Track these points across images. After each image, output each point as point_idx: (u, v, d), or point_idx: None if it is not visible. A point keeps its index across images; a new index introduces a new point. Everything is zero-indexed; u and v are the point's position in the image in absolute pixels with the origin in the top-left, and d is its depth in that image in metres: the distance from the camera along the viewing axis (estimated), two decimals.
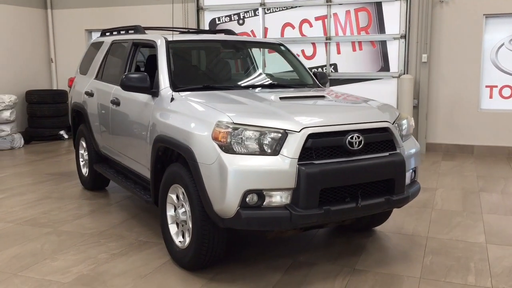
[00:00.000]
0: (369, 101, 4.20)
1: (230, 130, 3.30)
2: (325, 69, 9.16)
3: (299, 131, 3.34)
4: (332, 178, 3.34)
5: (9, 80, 10.13)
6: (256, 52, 5.37)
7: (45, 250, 4.19)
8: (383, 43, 8.80)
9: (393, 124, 3.77)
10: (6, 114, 9.29)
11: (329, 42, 9.09)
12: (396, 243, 4.36)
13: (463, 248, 4.18)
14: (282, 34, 9.36)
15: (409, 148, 3.90)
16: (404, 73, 8.67)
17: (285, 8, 9.28)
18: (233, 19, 9.67)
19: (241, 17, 9.60)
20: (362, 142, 3.51)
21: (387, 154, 3.66)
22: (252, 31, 9.56)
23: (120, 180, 5.01)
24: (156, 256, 4.02)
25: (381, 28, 8.76)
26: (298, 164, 3.27)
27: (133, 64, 5.04)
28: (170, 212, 3.92)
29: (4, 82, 9.98)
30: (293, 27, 9.30)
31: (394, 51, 8.76)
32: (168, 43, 4.52)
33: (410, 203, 5.32)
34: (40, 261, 3.97)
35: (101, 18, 10.57)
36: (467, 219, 4.94)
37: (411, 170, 3.93)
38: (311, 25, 9.19)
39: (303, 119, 3.43)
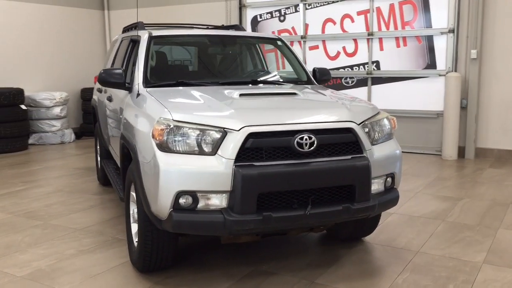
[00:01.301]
0: (347, 100, 3.82)
1: (166, 127, 3.12)
2: (367, 67, 8.66)
3: (238, 130, 3.08)
4: (272, 182, 3.05)
5: (67, 78, 10.67)
6: (250, 47, 5.13)
7: (22, 243, 4.27)
8: (430, 38, 8.13)
9: (360, 124, 3.39)
10: (57, 110, 9.77)
11: (372, 38, 8.58)
12: (377, 256, 3.94)
13: (451, 267, 3.67)
14: (323, 31, 8.99)
15: (383, 151, 3.50)
16: (452, 71, 7.95)
17: (326, 3, 8.89)
18: (274, 15, 9.45)
19: (282, 14, 9.35)
20: (315, 144, 3.18)
21: (349, 157, 3.29)
22: (293, 27, 9.28)
23: (112, 176, 5.02)
24: (119, 255, 3.95)
25: (428, 22, 8.10)
26: (235, 165, 3.02)
27: (130, 59, 5.02)
28: (131, 210, 3.83)
29: (61, 80, 10.54)
30: (334, 23, 8.88)
31: (442, 46, 8.06)
32: (151, 38, 4.44)
33: (419, 213, 4.89)
34: (11, 253, 4.04)
35: (154, 17, 10.77)
36: (477, 234, 4.37)
37: (384, 177, 3.52)
38: (352, 20, 8.73)
39: (246, 118, 3.17)
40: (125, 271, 3.66)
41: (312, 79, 4.66)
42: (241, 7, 9.69)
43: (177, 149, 3.11)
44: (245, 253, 3.94)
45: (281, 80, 4.61)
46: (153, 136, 3.15)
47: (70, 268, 3.74)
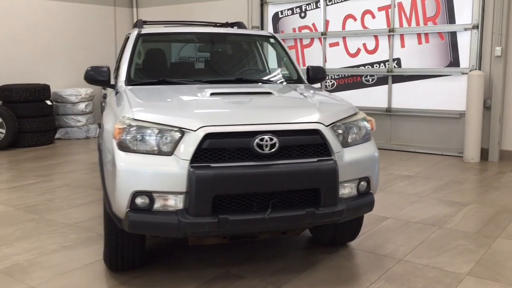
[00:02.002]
0: (323, 101, 3.68)
1: (126, 126, 3.10)
2: (388, 64, 8.38)
3: (195, 130, 3.02)
4: (228, 184, 2.98)
5: None
6: (243, 44, 5.05)
7: (11, 236, 4.38)
8: (453, 35, 7.77)
9: (329, 126, 3.25)
10: (82, 106, 10.01)
11: (393, 35, 8.29)
12: (356, 263, 3.78)
13: (431, 278, 3.48)
14: (343, 27, 8.77)
15: (356, 153, 3.36)
16: (476, 69, 7.57)
17: None
18: (295, 12, 9.31)
19: (303, 10, 9.19)
20: (277, 145, 3.08)
21: (315, 160, 3.17)
22: (313, 24, 9.11)
23: None
24: (98, 252, 3.97)
25: (451, 18, 7.74)
26: (191, 166, 2.96)
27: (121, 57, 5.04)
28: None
29: None
30: (355, 19, 8.64)
31: (465, 43, 7.68)
32: (139, 36, 4.45)
33: (417, 219, 4.68)
34: None
35: (176, 14, 10.85)
36: (471, 243, 4.12)
37: (357, 181, 3.37)
38: (373, 16, 8.47)
39: (205, 118, 3.11)
40: (98, 269, 3.67)
41: (303, 78, 4.53)
42: (263, 3, 9.60)
43: (137, 148, 3.08)
44: (218, 255, 3.87)
45: (271, 79, 4.49)
46: (113, 135, 3.14)
47: (47, 263, 3.80)
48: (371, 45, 8.56)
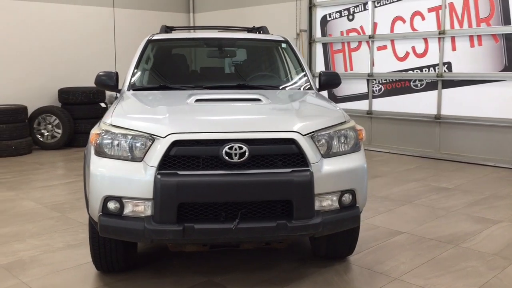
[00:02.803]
0: (308, 109, 3.55)
1: (101, 132, 3.17)
2: (438, 68, 7.92)
3: (164, 137, 3.02)
4: (193, 192, 2.94)
5: None
6: (255, 49, 4.97)
7: (28, 232, 4.62)
8: (508, 37, 7.19)
9: (306, 135, 3.11)
10: None
11: (443, 37, 7.82)
12: (346, 279, 3.58)
13: None
14: (391, 29, 8.42)
15: (338, 164, 3.19)
16: None
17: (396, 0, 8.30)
18: (343, 14, 9.07)
19: (351, 12, 8.93)
20: (246, 154, 2.99)
21: (289, 170, 3.04)
22: (361, 27, 8.82)
23: None
24: None
25: (506, 19, 7.17)
26: (158, 173, 2.96)
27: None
28: None
29: None
30: (404, 21, 8.26)
31: None
32: (149, 42, 4.53)
33: (434, 235, 4.38)
34: (11, 241, 4.39)
35: (234, 18, 10.93)
36: (482, 266, 3.77)
37: (339, 193, 3.19)
38: (423, 18, 8.05)
39: (175, 125, 3.09)
40: (89, 270, 3.75)
41: (312, 84, 4.37)
42: (311, 6, 9.45)
43: (111, 154, 3.13)
44: (207, 263, 3.84)
45: (277, 85, 4.36)
46: (90, 141, 3.21)
47: (46, 261, 3.95)
48: (420, 48, 8.13)
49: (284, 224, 3.01)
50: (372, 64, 8.72)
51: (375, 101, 8.78)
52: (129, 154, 3.09)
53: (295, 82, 4.46)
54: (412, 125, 8.29)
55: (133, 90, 4.13)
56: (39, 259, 3.99)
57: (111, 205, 3.07)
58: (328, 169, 3.14)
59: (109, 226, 3.07)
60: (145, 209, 3.02)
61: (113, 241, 3.41)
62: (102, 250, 3.46)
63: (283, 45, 4.69)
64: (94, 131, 3.20)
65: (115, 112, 3.34)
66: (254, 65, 4.86)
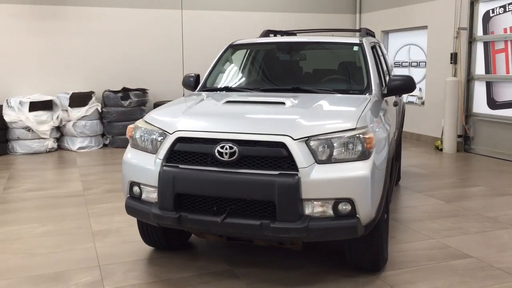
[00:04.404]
0: (315, 113, 3.52)
1: (134, 126, 3.69)
2: None
3: (171, 134, 3.39)
4: (187, 184, 3.25)
5: None
6: (327, 53, 4.87)
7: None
8: None
9: (299, 139, 3.14)
10: None
11: None
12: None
13: None
14: None
15: (333, 172, 3.13)
16: None
17: None
18: (507, 9, 8.05)
19: None
20: (236, 154, 3.17)
21: (276, 173, 3.12)
22: None
23: None
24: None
25: None
26: (164, 165, 3.35)
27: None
28: None
29: None
30: None
31: None
32: (229, 47, 4.93)
33: (506, 265, 3.82)
34: (115, 213, 5.25)
35: (399, 17, 10.57)
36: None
37: (332, 201, 3.13)
38: None
39: (183, 123, 3.43)
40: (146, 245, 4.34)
41: (374, 89, 4.19)
42: (473, 1, 8.60)
43: (140, 145, 3.63)
44: (236, 255, 4.06)
45: (330, 89, 4.27)
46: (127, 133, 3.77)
47: (124, 233, 4.65)
48: None
49: (267, 224, 3.10)
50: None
51: None
52: (150, 147, 3.54)
53: (356, 86, 4.33)
54: None
55: (202, 91, 4.57)
56: (121, 231, 4.74)
57: (135, 189, 3.58)
58: (320, 175, 3.11)
59: (130, 207, 3.58)
60: (155, 195, 3.43)
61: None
62: (145, 229, 3.99)
63: (355, 48, 4.58)
64: (131, 125, 3.74)
65: (153, 110, 3.83)
66: (322, 68, 4.84)
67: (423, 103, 10.03)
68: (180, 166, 3.32)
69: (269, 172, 3.14)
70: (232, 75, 4.86)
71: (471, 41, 8.71)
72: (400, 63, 10.86)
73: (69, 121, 9.31)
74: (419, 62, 10.35)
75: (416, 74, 10.37)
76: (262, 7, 11.05)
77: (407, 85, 4.24)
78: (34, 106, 9.01)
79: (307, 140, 3.16)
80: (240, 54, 4.97)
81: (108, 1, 9.83)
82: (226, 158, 3.19)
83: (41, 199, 5.98)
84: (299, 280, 3.61)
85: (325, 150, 3.17)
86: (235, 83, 4.70)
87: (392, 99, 4.84)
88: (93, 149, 9.42)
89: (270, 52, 4.98)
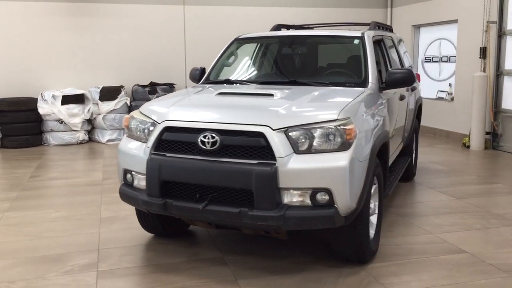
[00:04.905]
0: (298, 103, 3.58)
1: (129, 116, 3.86)
2: None
3: (160, 123, 3.53)
4: (172, 172, 3.39)
5: None
6: (328, 46, 4.88)
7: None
8: None
9: (278, 129, 3.21)
10: None
11: None
12: (340, 282, 3.46)
13: None
14: None
15: (311, 162, 3.19)
16: None
17: None
18: None
19: None
20: (218, 143, 3.28)
21: (255, 162, 3.21)
22: None
23: None
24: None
25: None
26: (152, 153, 3.50)
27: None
28: None
29: None
30: None
31: None
32: (235, 40, 5.04)
33: (498, 261, 3.78)
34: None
35: (428, 11, 10.36)
36: None
37: (310, 190, 3.18)
38: None
39: (170, 113, 3.56)
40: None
41: (371, 82, 4.19)
42: None
43: (135, 135, 3.79)
44: (230, 244, 4.18)
45: (326, 82, 4.30)
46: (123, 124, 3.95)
47: (130, 220, 4.81)
48: None
49: (245, 212, 3.19)
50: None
51: None
52: (143, 136, 3.69)
53: (353, 79, 4.33)
54: None
55: (206, 83, 4.69)
56: (127, 218, 4.92)
57: (128, 176, 3.74)
58: (297, 165, 3.17)
59: (123, 193, 3.75)
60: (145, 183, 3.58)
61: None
62: (142, 216, 4.16)
63: (356, 41, 4.57)
64: (126, 116, 3.90)
65: (149, 102, 3.98)
66: (321, 61, 4.86)
67: (452, 99, 9.80)
68: (167, 154, 3.45)
69: (248, 161, 3.22)
70: (234, 68, 4.96)
71: (501, 35, 8.45)
72: (431, 58, 10.64)
73: (99, 114, 9.67)
74: (450, 57, 10.11)
75: (447, 69, 10.16)
76: (293, 2, 11.08)
77: (405, 78, 4.22)
78: (66, 100, 9.41)
79: (286, 130, 3.22)
80: (245, 48, 5.06)
81: None
82: (208, 147, 3.30)
83: (61, 187, 6.29)
84: (284, 269, 3.68)
85: (305, 141, 3.22)
86: (236, 76, 4.80)
87: (396, 93, 4.81)
88: None
89: (272, 46, 5.04)
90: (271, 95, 3.79)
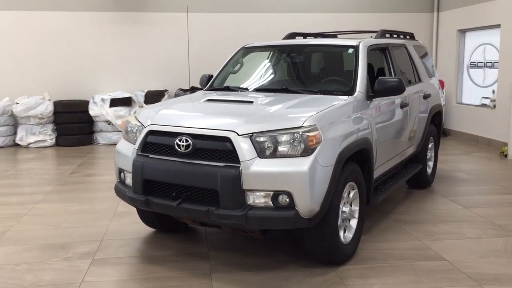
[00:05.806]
0: (268, 111, 3.81)
1: (125, 121, 4.26)
2: None
3: (145, 127, 3.88)
4: (152, 172, 3.73)
5: None
6: (324, 55, 5.03)
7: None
8: None
9: (244, 135, 3.46)
10: None
11: None
12: (306, 281, 3.64)
13: None
14: None
15: (272, 166, 3.41)
16: None
17: None
18: None
19: None
20: (191, 146, 3.58)
21: (222, 164, 3.48)
22: None
23: None
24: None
25: None
26: (137, 154, 3.87)
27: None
28: None
29: None
30: None
31: None
32: (241, 49, 5.32)
33: (474, 270, 3.90)
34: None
35: (472, 15, 10.13)
36: None
37: (271, 192, 3.40)
38: None
39: (155, 118, 3.91)
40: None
41: (359, 90, 4.31)
42: None
43: (129, 138, 4.18)
44: (221, 241, 4.46)
45: (314, 90, 4.48)
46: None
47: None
48: None
49: (212, 211, 3.47)
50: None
51: None
52: (133, 138, 4.07)
53: (342, 88, 4.47)
54: None
55: (209, 90, 5.02)
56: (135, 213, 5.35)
57: (121, 175, 4.13)
58: (259, 169, 3.39)
59: (117, 189, 4.16)
60: None
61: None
62: (141, 211, 4.54)
63: (350, 50, 4.70)
64: (124, 119, 4.30)
65: (149, 107, 4.36)
66: (316, 70, 5.01)
67: (494, 106, 9.50)
68: (150, 155, 3.80)
69: (216, 163, 3.50)
70: (237, 76, 5.23)
71: None
72: (476, 63, 10.35)
73: None
74: (494, 62, 9.80)
75: (491, 75, 9.85)
76: (336, 7, 11.19)
77: (395, 87, 4.32)
78: (114, 102, 10.11)
79: (251, 136, 3.46)
80: (251, 56, 5.32)
81: (181, 7, 10.64)
82: (182, 150, 3.61)
83: (92, 184, 6.86)
84: (259, 266, 3.91)
85: (270, 146, 3.44)
86: (235, 83, 5.07)
87: (395, 101, 4.88)
88: None
89: (274, 55, 5.26)
90: (251, 102, 4.04)
